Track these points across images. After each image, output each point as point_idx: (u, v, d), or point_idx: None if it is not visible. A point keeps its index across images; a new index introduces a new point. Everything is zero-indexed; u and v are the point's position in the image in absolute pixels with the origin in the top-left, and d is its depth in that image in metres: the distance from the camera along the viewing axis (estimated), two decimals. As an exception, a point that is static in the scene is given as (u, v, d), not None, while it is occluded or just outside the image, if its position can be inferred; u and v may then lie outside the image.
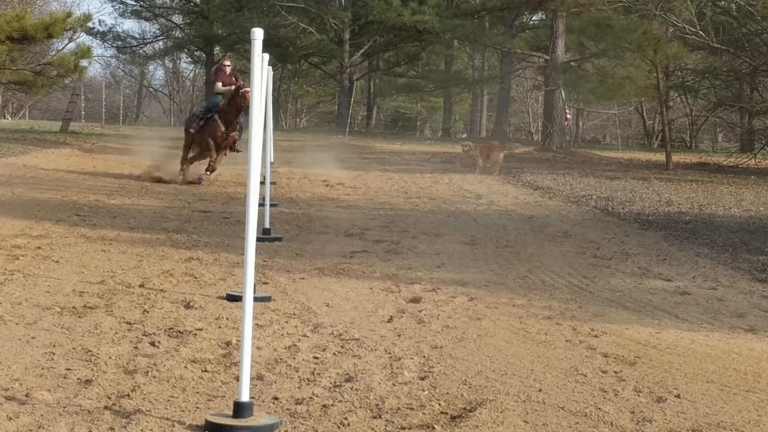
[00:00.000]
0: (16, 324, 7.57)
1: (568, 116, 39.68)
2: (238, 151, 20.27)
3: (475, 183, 22.62)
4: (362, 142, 38.85)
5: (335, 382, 6.34)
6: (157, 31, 60.06)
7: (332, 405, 5.85)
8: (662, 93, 31.87)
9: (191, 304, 8.55)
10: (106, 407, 5.64)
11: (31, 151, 27.36)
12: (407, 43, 51.10)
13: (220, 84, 20.72)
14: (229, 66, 21.40)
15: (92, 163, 24.75)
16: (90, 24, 40.70)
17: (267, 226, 12.81)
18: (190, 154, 20.63)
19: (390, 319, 8.31)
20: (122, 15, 63.39)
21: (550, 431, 5.57)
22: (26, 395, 5.78)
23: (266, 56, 7.17)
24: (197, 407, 5.74)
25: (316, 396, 6.02)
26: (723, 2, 35.98)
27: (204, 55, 56.64)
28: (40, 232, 12.38)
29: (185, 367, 6.53)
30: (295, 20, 47.52)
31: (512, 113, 56.87)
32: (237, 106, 19.64)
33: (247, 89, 18.00)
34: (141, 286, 9.29)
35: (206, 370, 6.49)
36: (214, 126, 19.90)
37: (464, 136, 56.47)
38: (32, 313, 7.98)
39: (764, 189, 22.98)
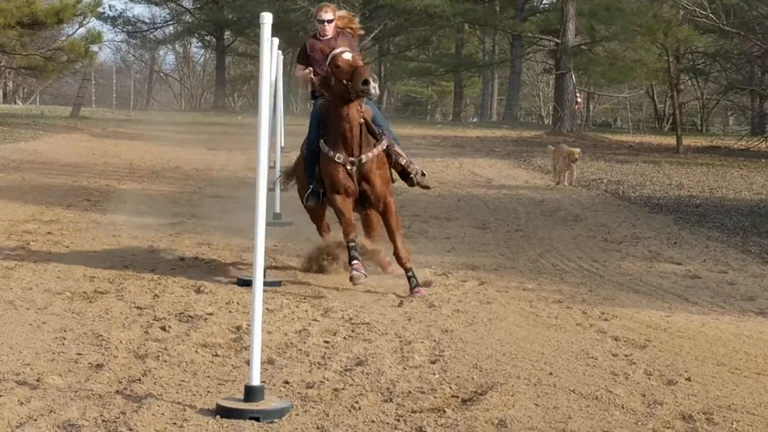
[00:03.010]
0: (27, 309, 7.59)
1: (579, 100, 39.57)
2: (426, 187, 10.53)
3: (486, 167, 22.57)
4: (372, 126, 38.70)
5: (346, 365, 6.34)
6: (168, 16, 60.15)
7: (343, 389, 5.85)
8: (673, 76, 31.79)
9: (202, 288, 8.56)
10: (117, 391, 5.66)
11: (42, 137, 27.43)
12: (418, 27, 50.92)
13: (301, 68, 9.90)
14: (329, 23, 9.58)
15: (103, 148, 24.77)
16: (100, 9, 40.75)
17: (277, 210, 12.81)
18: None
19: (400, 303, 8.31)
20: (132, 0, 63.45)
21: (561, 414, 5.57)
22: (37, 380, 5.79)
23: (276, 40, 7.18)
24: (208, 391, 5.75)
25: (327, 380, 6.02)
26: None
27: (214, 40, 56.65)
28: (51, 218, 12.40)
29: (196, 351, 6.55)
30: (305, 4, 47.38)
31: (523, 97, 56.73)
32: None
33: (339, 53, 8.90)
34: (151, 271, 9.31)
35: (217, 355, 6.50)
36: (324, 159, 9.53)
37: (475, 120, 56.39)
38: (43, 298, 8.00)
39: (775, 172, 22.90)
